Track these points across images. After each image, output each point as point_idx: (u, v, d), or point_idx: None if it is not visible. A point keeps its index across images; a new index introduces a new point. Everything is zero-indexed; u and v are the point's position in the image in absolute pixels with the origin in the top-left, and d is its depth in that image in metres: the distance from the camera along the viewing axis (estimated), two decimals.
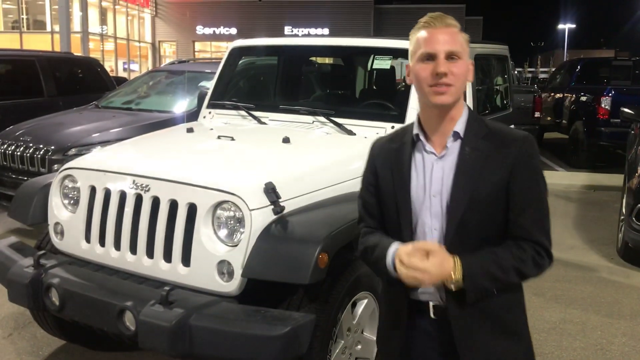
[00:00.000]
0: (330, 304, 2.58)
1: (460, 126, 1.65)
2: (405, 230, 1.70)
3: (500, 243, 1.63)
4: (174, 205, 2.73)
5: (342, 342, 2.78)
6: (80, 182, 3.06)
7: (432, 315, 1.73)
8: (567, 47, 63.42)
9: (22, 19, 29.01)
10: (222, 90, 4.38)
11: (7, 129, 6.03)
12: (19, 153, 5.51)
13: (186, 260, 2.69)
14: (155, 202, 2.78)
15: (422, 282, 1.57)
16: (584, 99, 10.77)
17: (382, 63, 4.09)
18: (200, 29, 33.62)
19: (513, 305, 1.73)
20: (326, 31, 30.89)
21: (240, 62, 4.79)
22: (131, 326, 2.52)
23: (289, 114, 3.91)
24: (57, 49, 19.31)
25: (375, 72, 4.69)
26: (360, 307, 2.90)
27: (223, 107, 4.20)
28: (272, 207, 2.61)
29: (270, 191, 2.62)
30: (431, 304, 1.72)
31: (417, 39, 1.65)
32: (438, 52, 1.59)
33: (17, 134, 5.78)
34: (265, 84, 5.12)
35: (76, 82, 8.75)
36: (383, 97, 4.23)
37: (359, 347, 2.96)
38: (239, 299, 2.61)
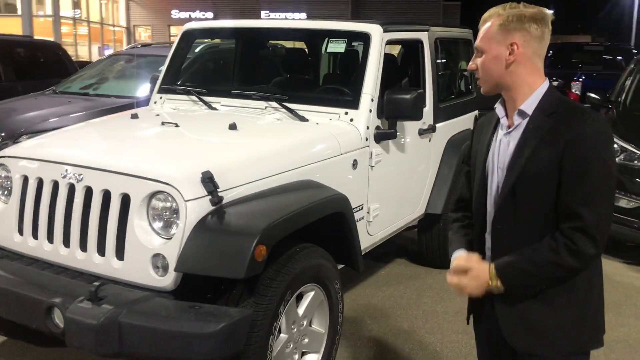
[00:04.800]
0: (269, 298, 2.47)
1: (527, 105, 1.71)
2: (479, 194, 1.84)
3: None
4: (107, 195, 2.59)
5: (286, 336, 2.68)
6: (13, 171, 2.91)
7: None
8: None
9: None
10: (175, 74, 4.22)
11: None
12: None
13: (120, 253, 2.56)
14: (89, 192, 2.64)
15: (466, 293, 1.78)
16: (555, 83, 10.76)
17: (336, 47, 3.95)
18: (175, 13, 32.94)
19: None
20: (303, 16, 30.53)
21: (201, 46, 4.64)
22: (60, 324, 2.40)
23: (241, 99, 3.77)
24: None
25: (332, 56, 4.55)
26: (307, 300, 2.80)
27: (174, 92, 4.04)
28: (209, 197, 2.48)
29: (208, 180, 2.49)
30: None
31: None
32: (475, 48, 1.79)
33: None
34: (223, 69, 4.96)
35: (36, 66, 8.44)
36: (339, 82, 4.11)
37: (306, 340, 2.86)
38: (177, 294, 2.50)
